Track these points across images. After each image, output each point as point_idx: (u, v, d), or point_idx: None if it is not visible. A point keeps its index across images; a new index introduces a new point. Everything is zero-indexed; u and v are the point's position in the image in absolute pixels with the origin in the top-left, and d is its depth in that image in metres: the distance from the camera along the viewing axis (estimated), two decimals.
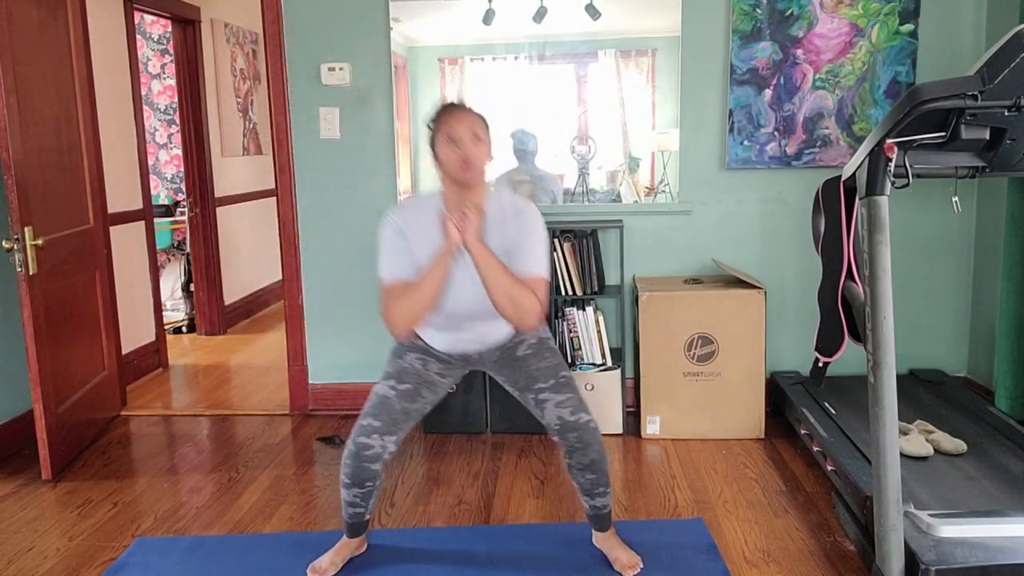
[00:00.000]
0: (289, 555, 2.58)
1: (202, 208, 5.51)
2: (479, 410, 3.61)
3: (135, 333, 4.59)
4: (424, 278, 2.17)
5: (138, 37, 5.40)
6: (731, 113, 3.61)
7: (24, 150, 3.15)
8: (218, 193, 5.65)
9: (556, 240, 3.50)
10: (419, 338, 2.44)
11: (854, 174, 2.18)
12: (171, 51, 5.63)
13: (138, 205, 4.67)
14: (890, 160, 2.04)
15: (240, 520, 2.87)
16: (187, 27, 5.34)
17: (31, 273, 3.14)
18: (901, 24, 3.50)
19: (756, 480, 3.08)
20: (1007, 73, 1.90)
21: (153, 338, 4.79)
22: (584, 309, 3.52)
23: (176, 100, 5.57)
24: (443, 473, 3.22)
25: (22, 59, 3.18)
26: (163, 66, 5.95)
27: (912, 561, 2.10)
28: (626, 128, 3.78)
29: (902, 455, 2.69)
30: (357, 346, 3.91)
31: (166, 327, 5.25)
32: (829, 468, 2.81)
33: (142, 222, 4.71)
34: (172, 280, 5.76)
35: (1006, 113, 1.99)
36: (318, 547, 2.56)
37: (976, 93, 1.93)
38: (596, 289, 3.52)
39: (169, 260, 5.82)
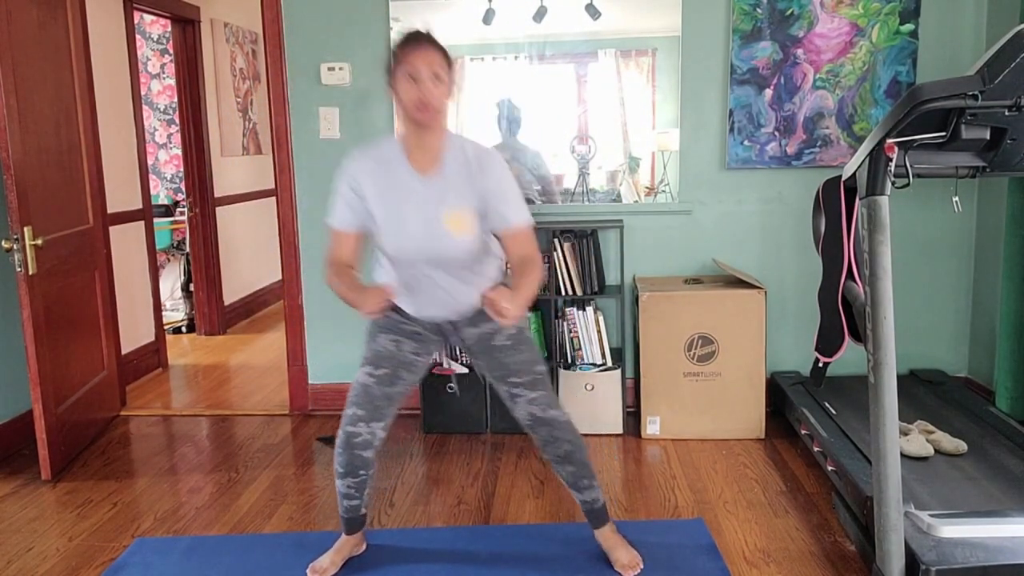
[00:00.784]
0: (289, 555, 2.58)
1: (202, 208, 5.51)
2: (479, 410, 3.61)
3: (135, 333, 4.59)
4: (344, 285, 2.14)
5: (138, 37, 5.40)
6: (731, 113, 3.60)
7: (24, 150, 3.15)
8: (218, 193, 5.65)
9: (556, 240, 3.50)
10: (392, 310, 2.37)
11: (854, 174, 2.18)
12: (171, 51, 5.63)
13: (138, 205, 4.67)
14: (890, 160, 2.04)
15: (240, 520, 2.87)
16: (187, 27, 5.34)
17: (31, 273, 3.13)
18: (901, 24, 3.50)
19: (756, 480, 3.07)
20: (1007, 73, 1.90)
21: (153, 338, 4.79)
22: (584, 309, 3.52)
23: (176, 100, 5.57)
24: (443, 473, 3.22)
25: (22, 59, 3.17)
26: (163, 66, 5.95)
27: (912, 561, 2.10)
28: (626, 128, 3.78)
29: (902, 455, 2.69)
30: (357, 346, 3.85)
31: (166, 327, 5.25)
32: (829, 468, 2.81)
33: (142, 222, 4.71)
34: (172, 280, 5.76)
35: (1006, 113, 1.99)
36: (318, 547, 2.55)
37: (976, 93, 1.93)
38: (596, 289, 3.52)
39: (169, 260, 5.82)
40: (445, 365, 3.57)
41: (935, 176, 2.25)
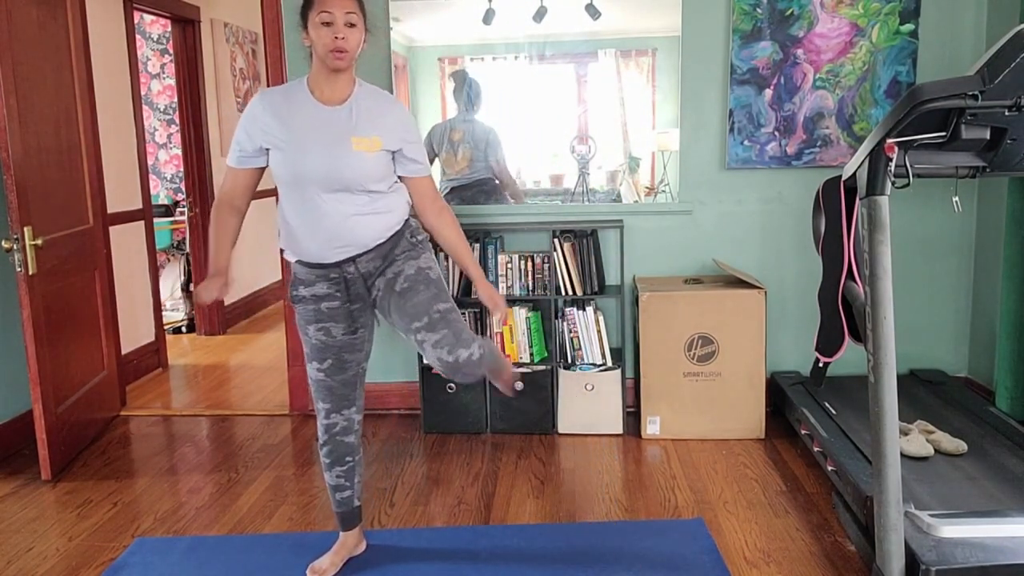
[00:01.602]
0: (289, 555, 2.58)
1: (202, 208, 5.51)
2: (479, 410, 3.61)
3: (135, 333, 4.59)
4: (215, 240, 2.31)
5: (138, 37, 5.39)
6: (731, 113, 3.60)
7: (24, 150, 3.15)
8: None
9: (556, 240, 3.50)
10: (293, 285, 2.34)
11: (854, 174, 2.18)
12: (171, 51, 5.63)
13: (138, 205, 4.67)
14: (890, 160, 2.04)
15: (240, 520, 2.87)
16: (187, 27, 5.34)
17: (31, 273, 3.13)
18: (901, 24, 3.50)
19: (756, 480, 3.07)
20: (1007, 73, 1.90)
21: (153, 338, 4.79)
22: (584, 309, 3.52)
23: (176, 100, 5.57)
24: (443, 473, 3.22)
25: (22, 59, 3.17)
26: (163, 66, 5.95)
27: (912, 561, 2.10)
28: (626, 128, 3.78)
29: (902, 455, 2.69)
30: None
31: (166, 327, 5.25)
32: (829, 468, 2.81)
33: (142, 222, 4.71)
34: (172, 280, 5.76)
35: (1006, 113, 1.99)
36: (318, 547, 2.55)
37: (976, 93, 1.93)
38: (596, 289, 3.52)
39: (169, 260, 5.82)
40: None
41: (935, 176, 2.25)
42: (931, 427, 2.94)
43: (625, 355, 3.65)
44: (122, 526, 2.84)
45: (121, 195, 4.48)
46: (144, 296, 4.72)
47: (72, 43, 3.65)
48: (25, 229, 3.11)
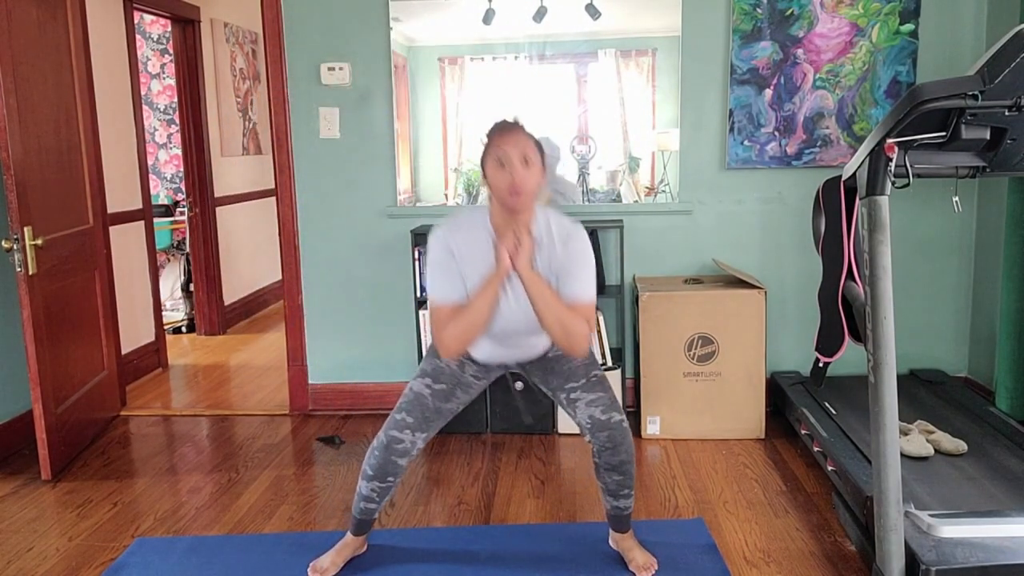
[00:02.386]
0: (289, 555, 2.58)
1: (202, 208, 5.51)
2: (479, 410, 3.61)
3: (135, 333, 4.59)
4: (474, 302, 2.14)
5: (138, 37, 5.40)
6: (731, 113, 3.60)
7: (24, 150, 3.15)
8: (218, 193, 5.65)
9: None
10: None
11: (854, 174, 2.18)
12: (171, 51, 5.63)
13: (138, 205, 4.67)
14: (890, 160, 2.04)
15: (240, 520, 2.87)
16: (187, 27, 5.34)
17: (31, 273, 3.13)
18: (901, 24, 3.50)
19: (756, 480, 3.07)
20: (1007, 73, 1.89)
21: (153, 338, 4.79)
22: None
23: (176, 100, 5.57)
24: (443, 473, 3.22)
25: (22, 59, 3.17)
26: (163, 66, 5.95)
27: (912, 561, 2.10)
28: (626, 128, 3.78)
29: (902, 455, 2.69)
30: (357, 346, 3.91)
31: (166, 327, 5.25)
32: (829, 468, 2.81)
33: (142, 222, 4.71)
34: (172, 280, 5.76)
35: (1006, 113, 1.99)
36: (318, 547, 2.55)
37: (976, 93, 1.93)
38: (596, 289, 3.51)
39: (169, 260, 5.82)
40: None
41: (935, 176, 2.25)
42: (931, 427, 2.94)
43: (625, 355, 3.65)
44: (122, 526, 2.84)
45: (121, 195, 4.48)
46: (144, 296, 4.72)
47: (72, 43, 3.65)
48: (25, 229, 3.11)
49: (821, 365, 2.48)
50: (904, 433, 2.84)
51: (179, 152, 5.79)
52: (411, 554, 2.58)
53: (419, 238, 3.53)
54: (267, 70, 3.75)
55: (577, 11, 3.62)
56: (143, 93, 5.78)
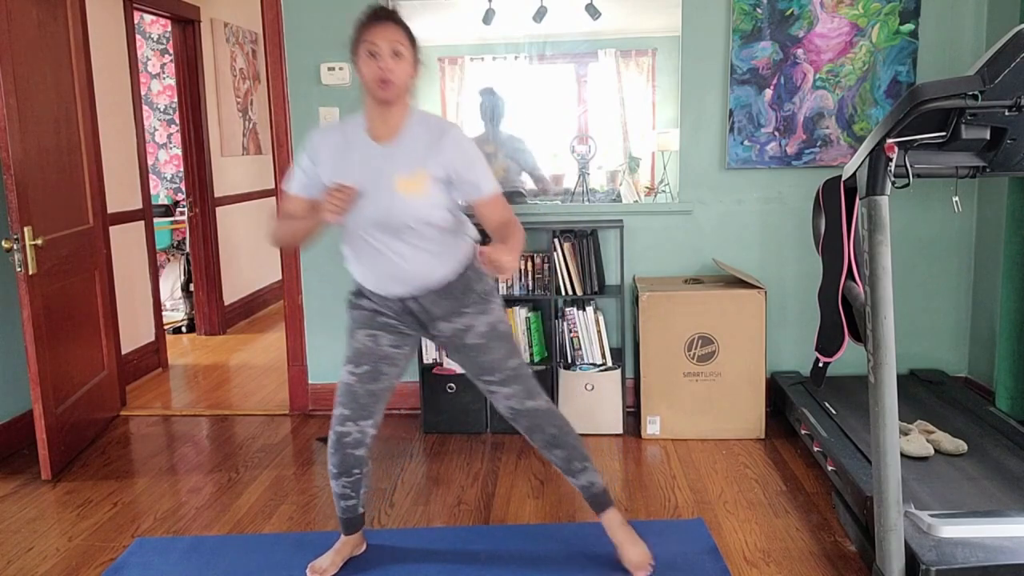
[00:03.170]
0: (289, 555, 2.58)
1: (202, 208, 5.51)
2: (479, 410, 3.61)
3: (135, 333, 4.59)
4: (292, 223, 2.23)
5: (138, 37, 5.39)
6: (731, 113, 3.60)
7: (24, 150, 3.15)
8: (218, 193, 5.65)
9: (556, 240, 3.50)
10: (355, 294, 2.36)
11: (854, 174, 2.18)
12: (171, 51, 5.63)
13: (138, 205, 4.67)
14: (890, 160, 2.04)
15: (240, 520, 2.87)
16: (187, 27, 5.34)
17: (31, 273, 3.13)
18: (901, 24, 3.50)
19: (756, 480, 3.07)
20: (1007, 73, 1.89)
21: (153, 338, 4.79)
22: (584, 309, 3.52)
23: (176, 100, 5.57)
24: (443, 473, 3.22)
25: (22, 59, 3.17)
26: (163, 66, 5.95)
27: (912, 561, 2.10)
28: (626, 128, 3.79)
29: (902, 455, 2.69)
30: None
31: (166, 327, 5.25)
32: (829, 468, 2.81)
33: (142, 222, 4.71)
34: (172, 280, 5.76)
35: (1006, 113, 1.99)
36: (318, 547, 2.56)
37: (976, 93, 1.93)
38: (596, 289, 3.52)
39: (169, 260, 5.82)
40: (446, 364, 3.57)
41: (935, 176, 2.25)
42: (931, 427, 2.94)
43: (625, 355, 3.65)
44: (122, 526, 2.84)
45: (121, 195, 4.48)
46: (144, 296, 4.72)
47: (72, 43, 3.65)
48: (25, 229, 3.11)
49: (821, 365, 2.48)
50: (904, 433, 2.84)
51: (179, 152, 5.79)
52: (411, 554, 2.58)
53: None
54: (267, 70, 3.75)
55: (577, 11, 3.62)
56: (143, 93, 5.78)
